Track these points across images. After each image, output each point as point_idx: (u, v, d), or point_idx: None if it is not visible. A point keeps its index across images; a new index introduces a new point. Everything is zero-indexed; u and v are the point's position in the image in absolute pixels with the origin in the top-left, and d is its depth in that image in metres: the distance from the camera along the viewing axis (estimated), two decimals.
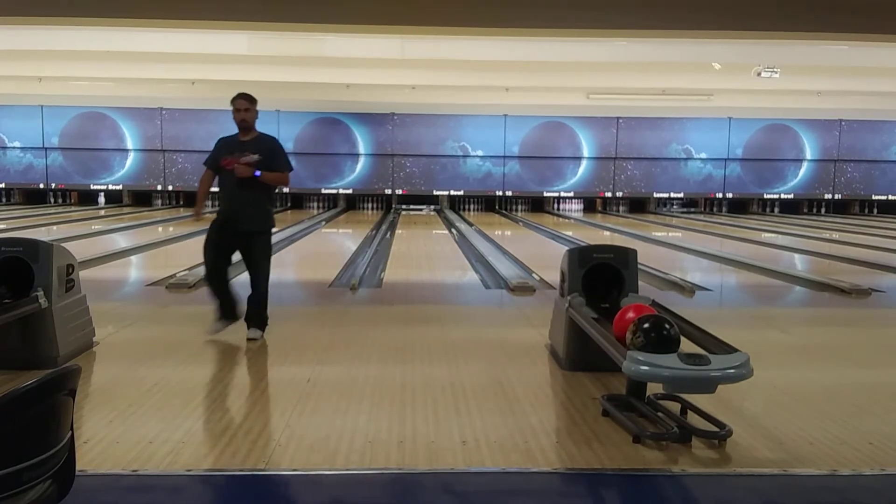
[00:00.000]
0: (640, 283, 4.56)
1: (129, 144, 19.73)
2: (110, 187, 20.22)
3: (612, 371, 3.72)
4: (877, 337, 5.83)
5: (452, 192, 20.68)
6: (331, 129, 20.28)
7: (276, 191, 5.47)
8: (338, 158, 20.38)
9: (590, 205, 21.55)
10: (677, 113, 19.99)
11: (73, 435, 1.68)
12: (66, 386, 1.62)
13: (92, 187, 20.24)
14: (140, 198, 20.43)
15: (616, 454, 3.10)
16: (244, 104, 4.98)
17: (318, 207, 20.66)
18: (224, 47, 12.91)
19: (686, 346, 3.26)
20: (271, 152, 5.06)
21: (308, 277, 9.02)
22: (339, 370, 4.39)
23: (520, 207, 21.21)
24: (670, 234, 15.71)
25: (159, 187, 20.18)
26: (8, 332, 4.05)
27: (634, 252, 4.54)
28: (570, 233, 14.41)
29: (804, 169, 21.02)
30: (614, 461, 3.03)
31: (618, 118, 20.30)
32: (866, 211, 21.62)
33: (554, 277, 5.38)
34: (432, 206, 20.89)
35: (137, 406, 3.64)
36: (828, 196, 21.29)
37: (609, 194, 21.04)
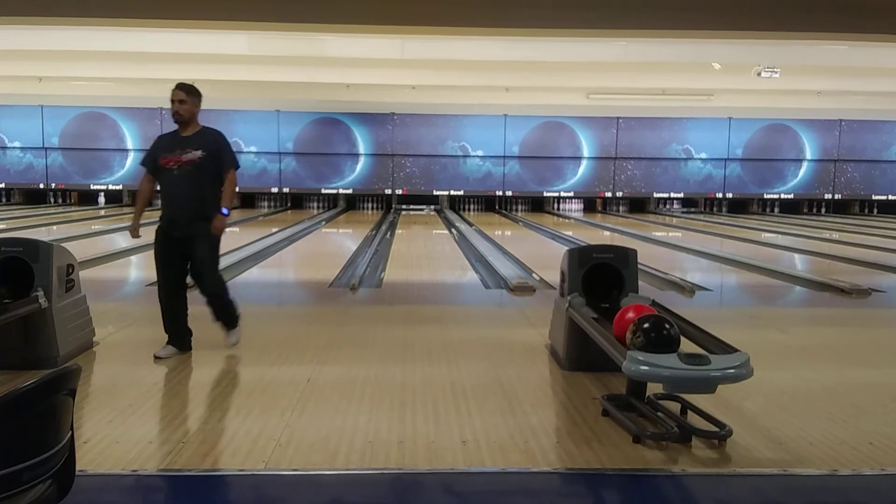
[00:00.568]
0: (640, 283, 4.56)
1: (129, 144, 19.71)
2: (110, 187, 20.22)
3: (612, 371, 3.72)
4: (877, 337, 5.83)
5: (452, 192, 20.69)
6: (331, 129, 20.28)
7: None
8: (338, 158, 20.37)
9: (590, 205, 21.55)
10: (677, 113, 19.98)
11: (73, 435, 1.68)
12: (66, 386, 1.62)
13: (92, 187, 20.24)
14: None
15: (616, 454, 3.10)
16: (179, 95, 4.49)
17: (318, 207, 20.66)
18: (224, 47, 12.90)
19: (686, 346, 3.26)
20: (216, 148, 4.55)
21: (308, 277, 9.02)
22: (339, 370, 4.39)
23: (520, 207, 21.21)
24: (670, 234, 15.71)
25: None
26: (8, 332, 4.05)
27: (634, 252, 4.54)
28: (570, 233, 14.41)
29: (804, 169, 21.02)
30: (614, 461, 3.03)
31: (618, 118, 20.29)
32: (866, 211, 21.62)
33: (554, 277, 5.38)
34: (432, 206, 20.90)
35: (137, 406, 3.65)
36: (828, 196, 21.28)
37: (609, 194, 21.04)
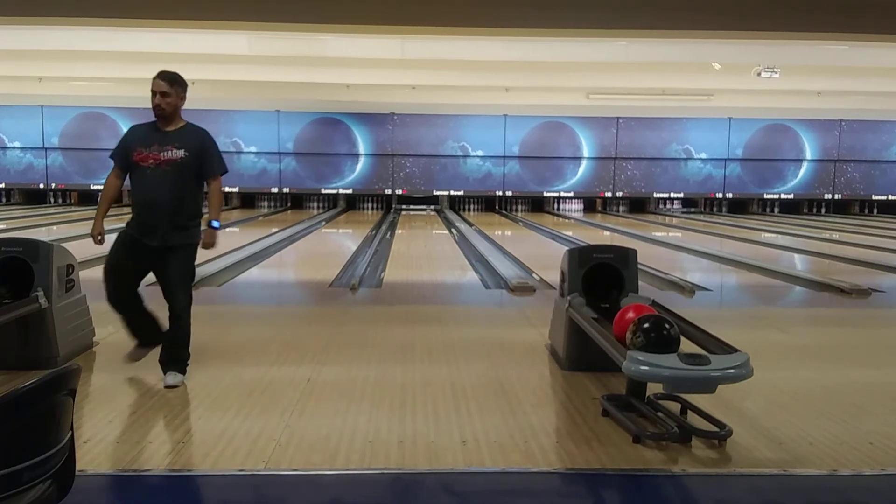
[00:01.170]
0: (640, 283, 4.56)
1: None
2: None
3: (612, 371, 3.72)
4: (877, 337, 5.83)
5: (452, 192, 20.68)
6: (331, 129, 20.27)
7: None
8: (338, 158, 20.37)
9: (590, 205, 21.54)
10: (677, 113, 19.98)
11: (73, 435, 1.68)
12: (66, 386, 1.62)
13: (92, 187, 20.19)
14: None
15: (616, 454, 3.10)
16: (161, 86, 3.90)
17: (318, 207, 20.66)
18: (224, 47, 12.91)
19: (686, 346, 3.26)
20: (200, 149, 3.98)
21: (308, 277, 9.02)
22: (339, 370, 4.39)
23: (520, 207, 21.21)
24: (670, 234, 15.71)
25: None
26: (8, 332, 4.05)
27: (634, 252, 4.54)
28: (570, 233, 14.41)
29: (804, 169, 21.01)
30: (614, 461, 3.03)
31: (618, 118, 20.29)
32: (866, 211, 21.61)
33: (554, 277, 5.38)
34: (432, 206, 20.90)
35: (137, 406, 3.65)
36: (828, 196, 21.27)
37: (609, 194, 21.03)
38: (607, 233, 15.51)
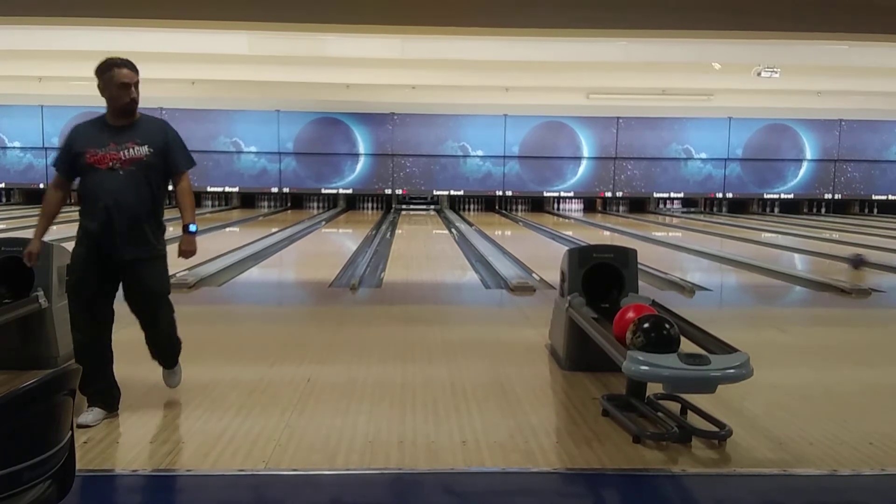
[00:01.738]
0: (640, 283, 4.56)
1: None
2: None
3: (612, 371, 3.72)
4: (877, 337, 5.83)
5: (452, 192, 20.69)
6: (331, 129, 20.28)
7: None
8: (338, 158, 20.37)
9: (590, 205, 21.55)
10: (677, 113, 19.98)
11: (73, 435, 1.68)
12: (66, 386, 1.62)
13: None
14: None
15: (616, 454, 3.10)
16: (134, 76, 3.39)
17: (318, 207, 20.66)
18: (224, 47, 12.90)
19: (686, 346, 3.26)
20: (164, 143, 3.49)
21: (308, 277, 9.02)
22: (339, 370, 4.39)
23: (520, 207, 21.21)
24: (670, 234, 15.71)
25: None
26: (8, 332, 4.05)
27: (634, 252, 4.54)
28: (570, 233, 14.41)
29: (804, 169, 21.02)
30: (614, 461, 3.03)
31: (618, 118, 20.29)
32: (866, 211, 21.61)
33: (554, 277, 5.38)
34: (432, 206, 20.91)
35: (137, 406, 3.64)
36: (828, 196, 21.28)
37: (609, 194, 21.04)
38: (607, 233, 15.51)
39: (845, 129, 20.69)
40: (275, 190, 20.44)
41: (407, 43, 12.86)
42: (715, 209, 21.66)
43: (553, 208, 21.30)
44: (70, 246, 3.59)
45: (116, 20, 8.53)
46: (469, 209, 20.90)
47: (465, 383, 4.10)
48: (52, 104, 19.35)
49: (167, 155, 3.49)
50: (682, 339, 3.28)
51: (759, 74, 14.46)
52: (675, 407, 3.52)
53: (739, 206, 21.43)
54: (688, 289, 7.49)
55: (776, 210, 21.40)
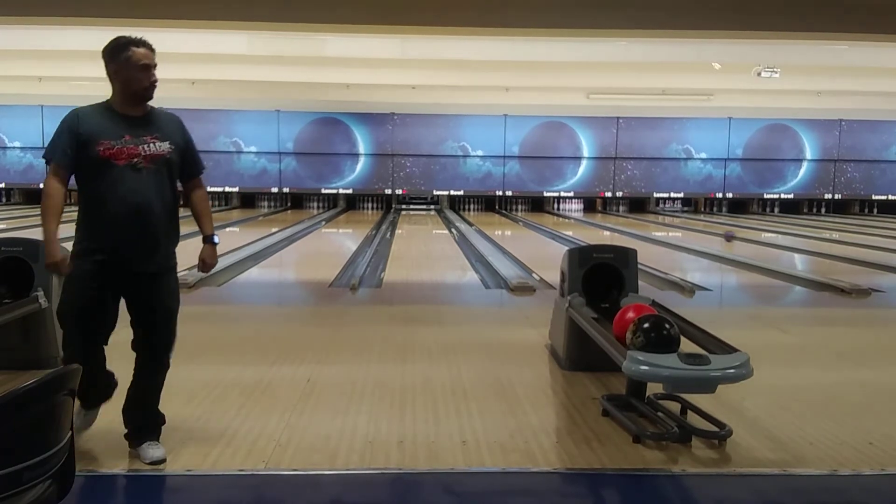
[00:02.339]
0: (640, 283, 4.56)
1: None
2: None
3: (612, 371, 3.72)
4: (877, 337, 5.83)
5: (452, 192, 20.69)
6: (331, 129, 20.28)
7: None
8: (338, 158, 20.38)
9: (590, 205, 21.55)
10: (677, 113, 19.98)
11: (73, 435, 1.68)
12: (66, 386, 1.62)
13: None
14: None
15: (616, 454, 3.10)
16: (152, 57, 2.99)
17: (318, 207, 20.66)
18: (224, 47, 12.90)
19: (686, 346, 3.26)
20: (185, 141, 3.12)
21: (308, 277, 9.02)
22: (339, 370, 4.39)
23: (520, 207, 21.21)
24: (670, 234, 15.71)
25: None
26: (8, 332, 4.05)
27: (634, 252, 4.54)
28: (570, 233, 14.41)
29: (804, 169, 21.02)
30: (614, 461, 3.03)
31: (618, 118, 20.29)
32: (866, 211, 21.61)
33: (554, 277, 5.38)
34: (432, 206, 20.91)
35: None
36: (828, 196, 21.28)
37: (609, 194, 21.04)
38: (607, 233, 15.51)
39: (845, 129, 20.69)
40: (275, 190, 20.44)
41: (407, 43, 12.85)
42: (715, 209, 21.66)
43: (553, 208, 21.30)
44: (70, 245, 3.17)
45: (117, 20, 8.53)
46: (469, 209, 20.90)
47: (465, 383, 4.10)
48: (52, 104, 19.29)
49: (185, 155, 3.11)
50: (682, 339, 3.28)
51: (759, 74, 14.46)
52: (675, 407, 3.52)
53: (739, 206, 21.43)
54: (688, 289, 7.49)
55: (776, 210, 21.40)
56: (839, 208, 21.41)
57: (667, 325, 3.19)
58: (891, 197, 21.17)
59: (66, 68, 15.34)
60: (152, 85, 2.98)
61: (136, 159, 2.91)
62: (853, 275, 8.48)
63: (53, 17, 8.48)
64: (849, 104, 18.81)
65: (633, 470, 2.96)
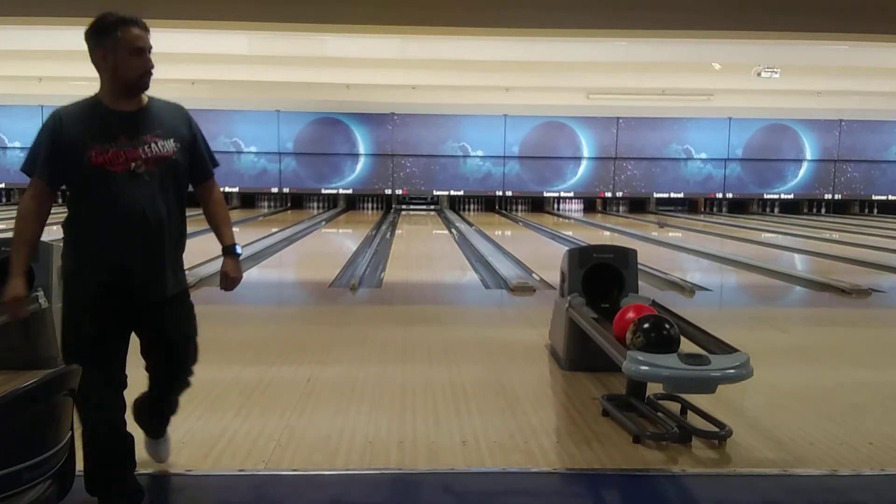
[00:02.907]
0: (640, 283, 4.56)
1: None
2: None
3: (612, 371, 3.72)
4: (877, 337, 5.83)
5: (452, 193, 20.69)
6: (331, 129, 20.28)
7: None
8: (338, 158, 20.37)
9: (590, 205, 21.54)
10: (677, 113, 19.98)
11: (73, 435, 1.68)
12: (66, 386, 1.63)
13: None
14: None
15: (616, 454, 3.10)
16: (147, 38, 2.49)
17: (318, 207, 20.66)
18: (224, 47, 12.91)
19: (686, 346, 3.26)
20: (192, 136, 2.59)
21: (308, 277, 9.02)
22: (339, 370, 4.39)
23: (520, 207, 21.21)
24: (670, 234, 15.71)
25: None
26: (8, 332, 4.05)
27: (634, 252, 4.54)
28: (570, 233, 14.41)
29: (804, 169, 21.02)
30: (614, 461, 3.04)
31: (618, 118, 20.29)
32: (866, 211, 21.61)
33: (554, 277, 5.38)
34: (432, 207, 20.91)
35: None
36: (828, 196, 21.28)
37: (609, 194, 21.04)
38: (607, 233, 15.51)
39: (845, 129, 20.69)
40: (275, 190, 20.43)
41: (407, 43, 12.86)
42: (715, 209, 21.66)
43: (553, 208, 21.29)
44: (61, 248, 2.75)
45: None
46: (469, 209, 20.90)
47: (465, 383, 4.10)
48: (52, 104, 19.07)
49: (193, 152, 2.58)
50: (682, 339, 3.27)
51: (759, 74, 14.47)
52: (675, 407, 3.52)
53: (739, 207, 21.42)
54: (688, 289, 7.49)
55: (776, 210, 21.39)
56: (839, 208, 21.40)
57: (667, 326, 3.19)
58: (891, 197, 21.17)
59: (66, 68, 15.32)
60: (148, 72, 2.46)
61: (135, 164, 2.41)
62: (853, 275, 8.48)
63: (53, 17, 8.48)
64: (849, 104, 18.81)
65: (633, 470, 2.96)
